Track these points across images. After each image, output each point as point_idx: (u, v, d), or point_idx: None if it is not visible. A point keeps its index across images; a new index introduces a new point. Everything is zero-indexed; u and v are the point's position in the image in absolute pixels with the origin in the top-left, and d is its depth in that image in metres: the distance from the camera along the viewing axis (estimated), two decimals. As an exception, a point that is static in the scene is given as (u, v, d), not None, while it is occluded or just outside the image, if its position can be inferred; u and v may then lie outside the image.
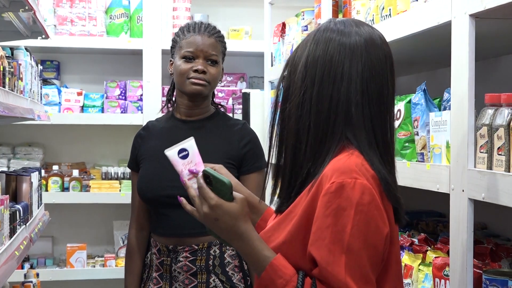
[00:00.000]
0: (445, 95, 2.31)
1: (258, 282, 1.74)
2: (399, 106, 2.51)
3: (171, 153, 1.84)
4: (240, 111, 5.04)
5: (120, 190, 5.03)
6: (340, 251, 1.62)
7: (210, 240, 2.71)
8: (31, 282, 3.57)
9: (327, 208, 1.64)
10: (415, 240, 2.61)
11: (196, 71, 2.75)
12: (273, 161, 1.86)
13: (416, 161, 2.42)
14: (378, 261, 1.67)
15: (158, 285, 2.78)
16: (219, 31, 2.88)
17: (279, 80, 1.87)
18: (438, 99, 2.42)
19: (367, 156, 1.71)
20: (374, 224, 1.64)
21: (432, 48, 2.70)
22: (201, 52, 2.78)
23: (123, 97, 5.08)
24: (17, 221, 2.80)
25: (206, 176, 1.78)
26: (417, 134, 2.41)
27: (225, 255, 2.72)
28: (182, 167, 1.84)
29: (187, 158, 1.84)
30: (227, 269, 2.70)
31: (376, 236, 1.65)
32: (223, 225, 1.78)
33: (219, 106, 2.97)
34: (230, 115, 5.11)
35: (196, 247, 2.72)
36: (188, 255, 2.72)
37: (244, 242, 1.76)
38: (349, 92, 1.74)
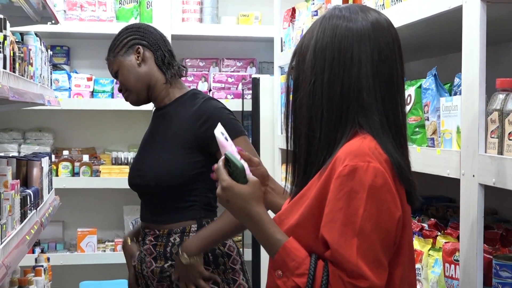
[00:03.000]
0: (456, 80, 2.30)
1: (271, 265, 1.75)
2: (410, 91, 2.51)
3: (217, 133, 1.89)
4: (249, 96, 5.03)
5: (130, 175, 5.03)
6: (352, 234, 1.62)
7: (171, 228, 2.74)
8: (42, 266, 3.59)
9: (339, 191, 1.64)
10: (425, 225, 2.60)
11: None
12: (289, 149, 1.86)
13: (427, 146, 2.42)
14: (390, 245, 1.68)
15: (134, 263, 2.89)
16: (112, 45, 2.89)
17: (288, 69, 1.87)
18: (448, 84, 2.41)
19: (380, 140, 1.71)
20: (386, 207, 1.65)
21: (443, 32, 2.68)
22: (113, 77, 2.93)
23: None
24: (28, 206, 2.81)
25: (227, 159, 1.81)
26: (428, 119, 2.40)
27: None
28: (229, 148, 1.88)
29: (228, 141, 1.89)
30: None
31: (388, 219, 1.65)
32: (234, 206, 1.80)
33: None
34: (238, 100, 5.12)
35: (158, 233, 2.77)
36: (152, 239, 2.78)
37: (256, 224, 1.78)
38: (360, 77, 1.73)
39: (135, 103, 2.90)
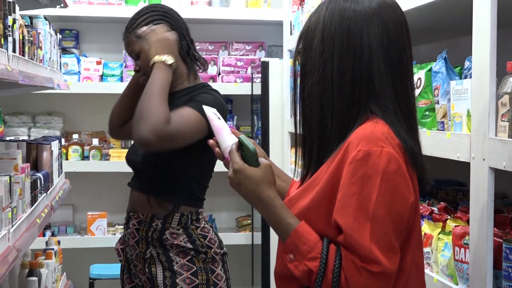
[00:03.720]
0: (466, 63, 2.29)
1: (281, 248, 1.75)
2: (420, 74, 2.50)
3: (209, 112, 1.91)
4: (259, 80, 5.03)
5: (139, 159, 5.04)
6: (365, 219, 1.63)
7: (154, 213, 2.76)
8: (53, 249, 3.61)
9: (353, 176, 1.64)
10: (435, 209, 2.60)
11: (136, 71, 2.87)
12: (299, 134, 1.85)
13: (437, 129, 2.41)
14: (402, 230, 1.68)
15: (122, 245, 2.93)
16: (133, 23, 2.82)
17: (295, 54, 1.86)
18: (459, 67, 2.40)
19: (392, 125, 1.71)
20: (400, 192, 1.65)
21: (453, 15, 2.66)
22: (129, 56, 2.88)
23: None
24: (38, 189, 2.82)
25: (240, 143, 1.82)
26: (438, 103, 2.39)
27: (166, 232, 2.74)
28: (224, 128, 1.91)
29: (221, 120, 1.92)
30: (165, 244, 2.73)
31: (402, 204, 1.65)
32: (245, 190, 1.80)
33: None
34: (248, 84, 5.12)
35: (142, 217, 2.80)
36: (135, 223, 2.81)
37: (267, 208, 1.78)
38: (371, 62, 1.72)
39: None
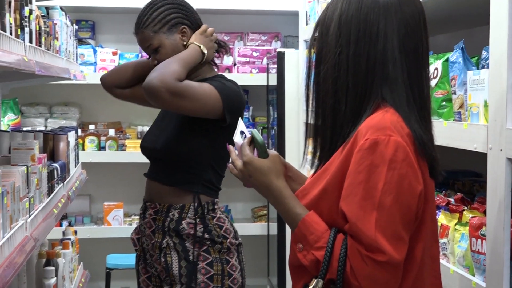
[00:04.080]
0: (483, 53, 2.28)
1: (292, 238, 1.77)
2: (436, 64, 2.48)
3: (238, 139, 1.93)
4: (274, 70, 5.02)
5: (154, 150, 5.06)
6: (371, 208, 1.62)
7: (171, 203, 2.77)
8: (70, 239, 3.62)
9: (360, 164, 1.64)
10: (452, 200, 2.59)
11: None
12: (310, 122, 1.85)
13: (453, 120, 2.40)
14: (410, 219, 1.67)
15: (138, 235, 2.96)
16: (148, 17, 2.81)
17: (310, 42, 1.86)
18: (476, 58, 2.39)
19: (404, 113, 1.71)
20: (407, 181, 1.64)
21: (470, 5, 2.65)
22: (144, 51, 2.88)
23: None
24: (55, 180, 2.84)
25: (253, 137, 1.86)
26: (455, 93, 2.38)
27: (183, 222, 2.74)
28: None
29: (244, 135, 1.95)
30: (181, 234, 2.74)
31: (409, 194, 1.65)
32: (256, 181, 1.83)
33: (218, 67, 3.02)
34: (263, 75, 5.11)
35: (159, 206, 2.80)
36: (152, 213, 2.82)
37: (276, 198, 1.80)
38: (386, 50, 1.72)
39: None
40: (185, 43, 2.79)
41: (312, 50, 1.85)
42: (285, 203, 1.78)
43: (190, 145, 2.74)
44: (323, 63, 1.78)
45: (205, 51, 2.77)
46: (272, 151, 1.85)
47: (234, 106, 2.72)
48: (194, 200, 2.74)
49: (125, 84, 3.00)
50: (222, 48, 2.92)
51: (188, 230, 2.73)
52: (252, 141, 1.86)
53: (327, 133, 1.79)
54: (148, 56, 2.92)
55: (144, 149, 2.93)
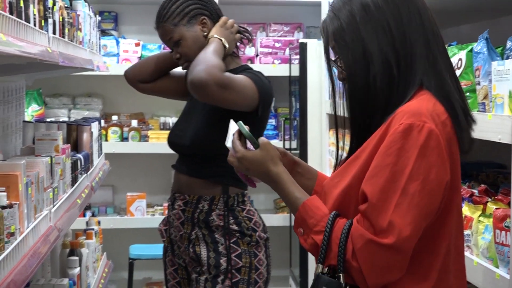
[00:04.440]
0: (508, 44, 2.25)
1: (294, 223, 1.78)
2: (460, 55, 2.46)
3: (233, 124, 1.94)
4: (297, 61, 5.00)
5: (177, 140, 5.07)
6: (394, 191, 1.62)
7: (201, 195, 2.77)
8: (93, 229, 3.65)
9: (390, 147, 1.64)
10: (475, 191, 2.57)
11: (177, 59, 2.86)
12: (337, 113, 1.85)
13: (477, 111, 2.38)
14: (431, 210, 1.65)
15: (165, 227, 2.95)
16: (167, 11, 2.81)
17: (324, 28, 1.82)
18: (501, 48, 2.36)
19: (444, 93, 1.72)
20: (435, 170, 1.63)
21: (495, -5, 2.62)
22: (166, 44, 2.88)
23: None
24: (79, 170, 2.85)
25: (240, 131, 1.87)
26: (479, 84, 2.36)
27: (213, 213, 2.74)
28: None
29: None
30: (211, 225, 2.73)
31: (435, 183, 1.64)
32: (255, 173, 1.86)
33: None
34: (286, 65, 5.10)
35: (188, 198, 2.80)
36: (181, 204, 2.82)
37: (277, 184, 1.83)
38: (424, 28, 1.75)
39: None
40: (205, 33, 2.78)
41: (334, 37, 1.80)
42: (284, 188, 1.82)
43: (219, 139, 2.71)
44: (351, 53, 1.75)
45: (227, 45, 2.76)
46: (262, 139, 1.87)
47: (267, 98, 2.72)
48: (224, 192, 2.74)
49: (148, 79, 3.00)
50: (245, 35, 2.90)
51: (218, 222, 2.73)
52: (242, 135, 1.88)
53: (358, 121, 1.77)
54: (169, 49, 2.92)
55: (172, 144, 2.93)
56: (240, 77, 2.65)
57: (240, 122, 1.89)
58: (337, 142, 1.91)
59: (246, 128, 1.88)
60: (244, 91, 2.63)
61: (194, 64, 2.59)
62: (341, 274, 1.66)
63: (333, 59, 1.81)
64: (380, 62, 1.72)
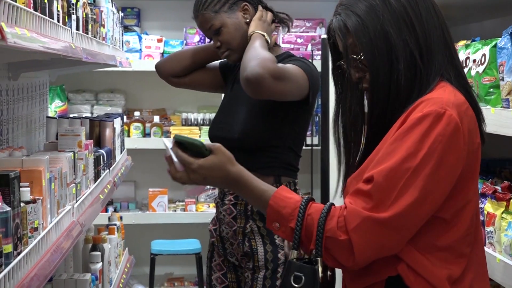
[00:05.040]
0: (533, 39, 2.24)
1: (267, 221, 1.73)
2: (484, 50, 2.45)
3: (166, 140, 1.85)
4: (319, 57, 4.99)
5: (200, 136, 5.09)
6: (404, 172, 1.60)
7: None
8: (115, 225, 3.66)
9: (407, 130, 1.63)
10: (498, 188, 2.56)
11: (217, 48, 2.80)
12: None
13: (501, 107, 2.36)
14: (439, 195, 1.63)
15: (215, 226, 2.85)
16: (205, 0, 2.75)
17: (340, 26, 1.79)
18: (525, 43, 2.35)
19: (461, 82, 1.73)
20: (450, 158, 1.62)
21: (519, -10, 2.60)
22: (205, 33, 2.81)
23: (203, 43, 5.10)
24: (101, 166, 2.87)
25: (180, 143, 1.77)
26: (503, 80, 2.34)
27: None
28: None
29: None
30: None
31: (447, 170, 1.62)
32: (213, 179, 1.77)
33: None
34: (310, 60, 5.09)
35: None
36: (232, 198, 2.74)
37: (239, 183, 1.77)
38: (443, 22, 1.75)
39: (236, 61, 2.78)
40: (247, 20, 2.73)
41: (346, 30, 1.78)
42: (248, 185, 1.76)
43: (269, 130, 2.68)
44: (384, 50, 1.71)
45: (269, 40, 2.71)
46: (212, 145, 1.79)
47: (316, 85, 2.67)
48: (276, 182, 2.68)
49: (182, 72, 2.96)
50: (286, 23, 2.85)
51: None
52: (183, 147, 1.77)
53: (384, 117, 1.75)
54: (209, 40, 2.85)
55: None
56: (292, 67, 2.60)
57: (178, 134, 1.80)
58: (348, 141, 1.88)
59: (189, 137, 1.78)
60: (297, 80, 2.57)
61: (245, 62, 2.53)
62: (318, 259, 1.64)
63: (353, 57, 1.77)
64: (405, 57, 1.70)
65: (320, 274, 1.66)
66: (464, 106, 1.67)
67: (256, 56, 2.52)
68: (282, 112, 2.68)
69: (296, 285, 1.67)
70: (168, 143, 1.80)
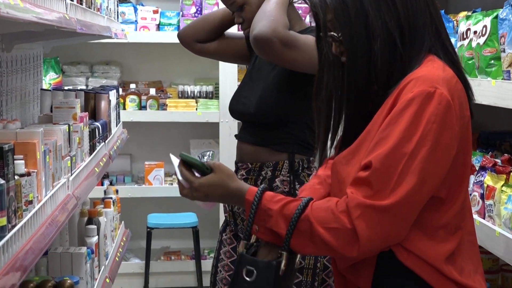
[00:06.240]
0: (535, 10, 2.21)
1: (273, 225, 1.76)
2: (485, 21, 2.42)
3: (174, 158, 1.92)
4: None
5: (196, 109, 5.06)
6: (401, 157, 1.59)
7: (264, 162, 2.66)
8: (111, 198, 3.64)
9: (400, 114, 1.62)
10: (498, 161, 2.54)
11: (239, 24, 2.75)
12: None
13: (502, 79, 2.34)
14: (437, 176, 1.63)
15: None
16: None
17: (320, 2, 1.75)
18: (527, 14, 2.32)
19: (450, 57, 1.71)
20: (444, 138, 1.61)
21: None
22: (228, 7, 2.75)
23: (199, 15, 5.05)
24: (97, 139, 2.84)
25: (185, 162, 1.84)
26: (504, 51, 2.31)
27: (276, 179, 2.65)
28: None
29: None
30: (276, 192, 2.65)
31: (443, 151, 1.62)
32: (215, 197, 1.82)
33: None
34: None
35: (250, 166, 2.69)
36: (244, 173, 2.71)
37: (240, 198, 1.79)
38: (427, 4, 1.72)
39: None
40: None
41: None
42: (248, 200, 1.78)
43: (286, 105, 2.63)
44: (362, 30, 1.69)
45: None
46: (213, 163, 1.84)
47: None
48: (289, 159, 2.63)
49: (207, 37, 2.88)
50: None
51: (282, 188, 2.63)
52: (188, 165, 1.84)
53: (362, 98, 1.73)
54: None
55: (235, 113, 2.79)
56: (306, 37, 2.52)
57: (183, 152, 1.87)
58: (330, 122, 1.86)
59: (193, 156, 1.86)
60: (311, 51, 2.46)
61: (257, 18, 2.48)
62: (283, 252, 1.69)
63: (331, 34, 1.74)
64: (383, 37, 1.68)
65: (282, 268, 1.70)
66: (454, 80, 1.66)
67: (269, 15, 2.47)
68: (300, 87, 2.62)
69: (248, 279, 1.71)
70: (175, 160, 1.89)
